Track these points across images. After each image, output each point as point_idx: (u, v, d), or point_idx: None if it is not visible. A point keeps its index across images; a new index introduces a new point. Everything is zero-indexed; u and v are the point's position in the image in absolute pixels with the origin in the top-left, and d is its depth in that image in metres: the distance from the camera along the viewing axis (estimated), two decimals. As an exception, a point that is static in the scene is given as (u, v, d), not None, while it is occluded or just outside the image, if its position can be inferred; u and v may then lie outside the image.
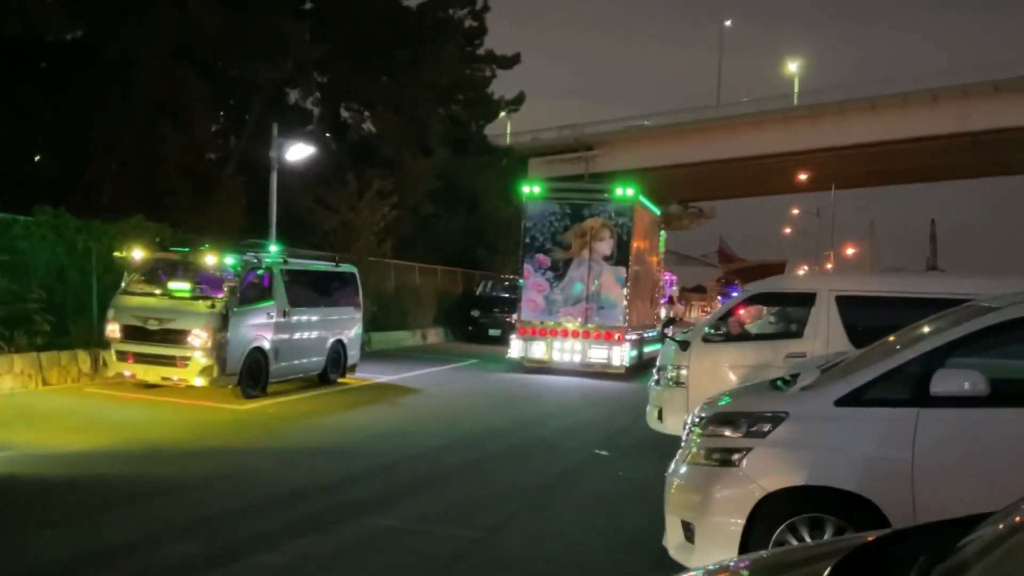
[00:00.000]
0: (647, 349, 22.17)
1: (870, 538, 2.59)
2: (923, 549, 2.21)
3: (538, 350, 19.81)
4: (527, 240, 20.26)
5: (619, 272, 19.70)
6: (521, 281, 20.44)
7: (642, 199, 20.90)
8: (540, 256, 20.04)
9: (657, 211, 23.79)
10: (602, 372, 19.52)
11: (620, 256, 19.71)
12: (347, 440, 11.19)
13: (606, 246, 19.76)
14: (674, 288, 37.60)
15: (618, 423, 13.91)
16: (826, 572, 2.12)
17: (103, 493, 7.91)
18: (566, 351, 19.60)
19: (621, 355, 19.38)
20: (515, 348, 20.10)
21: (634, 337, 20.26)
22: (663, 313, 27.04)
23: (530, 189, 20.72)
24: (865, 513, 5.04)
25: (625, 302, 19.63)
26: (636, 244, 20.10)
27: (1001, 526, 2.20)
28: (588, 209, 19.98)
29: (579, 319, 19.65)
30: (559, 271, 19.97)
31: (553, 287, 19.96)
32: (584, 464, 10.52)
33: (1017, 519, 2.22)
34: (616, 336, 19.43)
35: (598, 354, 19.45)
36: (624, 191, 20.00)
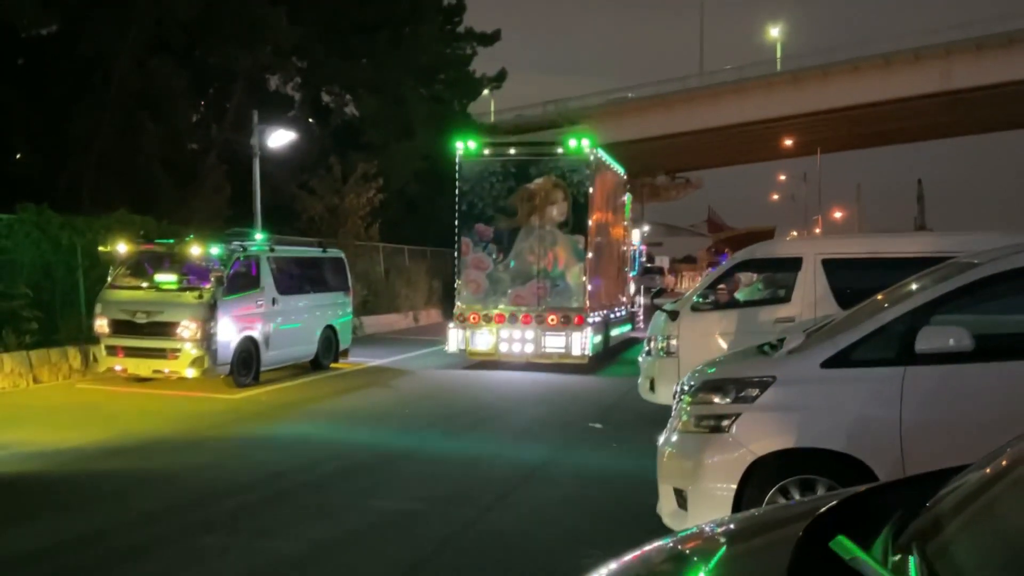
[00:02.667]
0: (615, 332, 19.36)
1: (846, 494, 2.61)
2: (901, 503, 2.22)
3: (482, 341, 16.42)
4: (463, 207, 16.74)
5: (576, 242, 16.28)
6: (458, 257, 16.96)
7: (601, 152, 17.54)
8: (480, 226, 16.62)
9: (620, 169, 20.25)
10: (561, 364, 16.40)
11: (577, 222, 16.29)
12: (342, 425, 11.21)
13: (559, 211, 16.35)
14: (644, 258, 33.88)
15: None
16: (802, 531, 2.13)
17: (99, 488, 7.91)
18: (516, 340, 16.25)
19: (582, 342, 15.99)
20: (453, 339, 16.67)
21: (598, 320, 17.06)
22: (632, 289, 23.54)
23: (464, 145, 16.85)
24: (855, 473, 5.06)
25: (585, 278, 16.23)
26: (596, 207, 16.89)
27: (983, 472, 2.21)
28: (536, 167, 16.48)
29: (530, 301, 16.34)
30: (504, 244, 16.54)
31: (497, 263, 16.54)
32: (578, 438, 10.55)
33: (989, 470, 2.23)
34: (575, 319, 16.08)
35: (554, 343, 16.11)
36: (578, 143, 16.42)
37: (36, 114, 24.62)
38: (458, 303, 16.82)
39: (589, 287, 16.34)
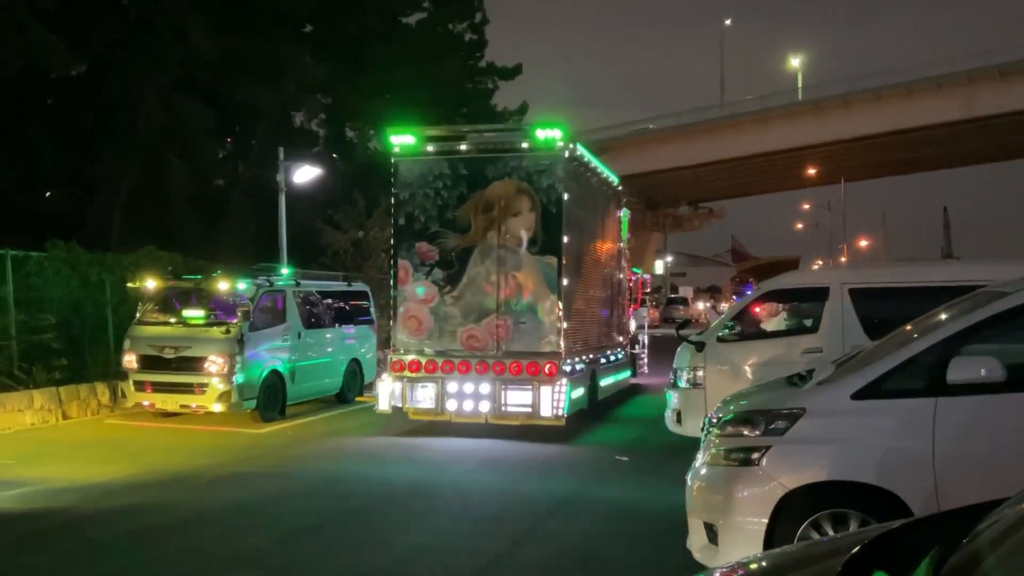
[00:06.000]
0: (606, 381, 15.20)
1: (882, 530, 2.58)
2: (938, 539, 2.19)
3: (424, 396, 12.64)
4: (401, 221, 12.96)
5: (547, 264, 12.44)
6: (394, 286, 13.09)
7: (581, 149, 13.57)
8: (422, 246, 12.80)
9: (612, 176, 16.10)
10: (528, 427, 12.33)
11: (548, 239, 12.46)
12: (367, 460, 11.18)
13: (524, 224, 12.54)
14: (648, 288, 28.36)
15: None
16: (840, 566, 2.11)
17: (126, 523, 7.93)
18: (468, 396, 12.40)
19: (555, 398, 12.06)
20: (385, 394, 12.78)
21: (579, 367, 13.20)
22: (633, 326, 19.13)
23: (402, 140, 12.94)
24: (888, 506, 5.00)
25: (559, 312, 12.35)
26: (575, 219, 13.03)
27: (1020, 507, 2.18)
28: (494, 167, 12.66)
29: (487, 344, 12.51)
30: (453, 268, 12.70)
31: (444, 294, 12.69)
32: (604, 471, 10.48)
33: None
34: (546, 368, 12.18)
35: (518, 399, 12.26)
36: (547, 134, 12.48)
37: (65, 153, 25.04)
38: (393, 346, 13.04)
39: (565, 324, 12.48)
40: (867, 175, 70.20)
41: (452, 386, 12.49)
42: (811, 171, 61.29)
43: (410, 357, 12.75)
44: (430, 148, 12.95)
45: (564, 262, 12.50)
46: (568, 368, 12.54)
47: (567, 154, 12.63)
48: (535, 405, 12.17)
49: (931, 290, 8.60)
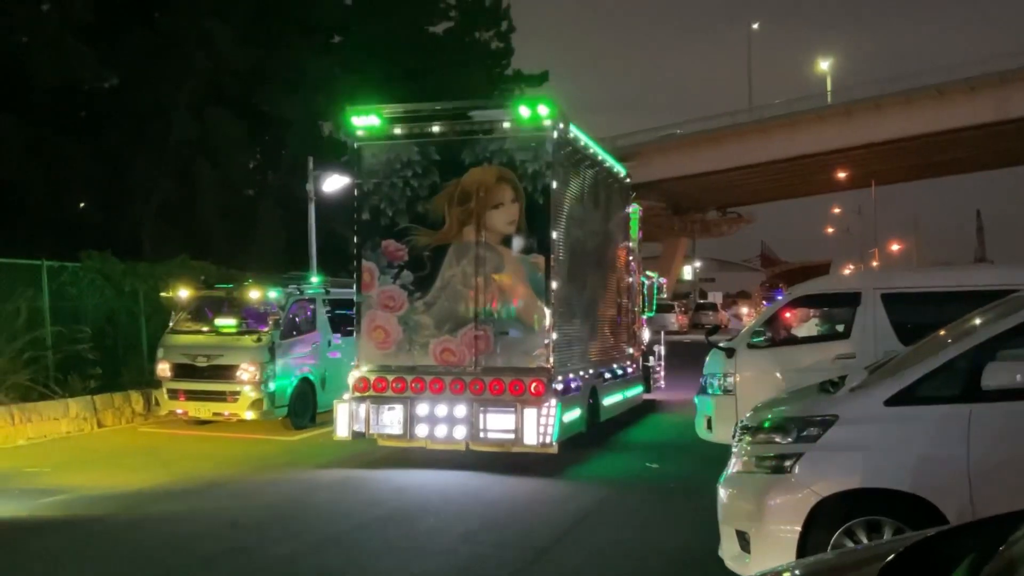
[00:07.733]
0: (611, 399, 13.49)
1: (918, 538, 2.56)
2: (973, 547, 2.17)
3: (391, 419, 10.83)
4: (365, 216, 11.31)
5: (534, 265, 10.69)
6: (358, 291, 11.33)
7: (575, 130, 11.62)
8: (390, 244, 11.11)
9: (619, 166, 14.41)
10: (512, 455, 10.68)
11: (534, 235, 10.72)
12: (398, 466, 11.16)
13: (506, 218, 10.81)
14: (664, 294, 25.90)
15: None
16: (875, 574, 2.10)
17: (161, 531, 8.01)
18: (441, 420, 10.64)
19: (542, 423, 10.24)
20: (344, 417, 11.01)
21: (574, 385, 11.42)
22: (646, 336, 17.29)
23: (365, 121, 11.23)
24: (923, 513, 4.95)
25: (548, 321, 10.60)
26: (567, 212, 11.38)
27: None
28: (471, 150, 10.90)
29: (464, 358, 10.79)
30: (424, 270, 10.98)
31: (414, 300, 10.96)
32: (635, 478, 10.44)
33: None
34: (532, 387, 10.43)
35: (499, 423, 10.44)
36: (533, 111, 10.67)
37: (98, 164, 25.39)
38: (356, 362, 11.33)
39: (555, 335, 10.73)
40: (899, 179, 69.50)
41: (423, 408, 10.70)
42: (841, 175, 60.84)
43: (375, 374, 11.05)
44: (397, 130, 11.22)
45: (554, 262, 10.75)
46: (559, 386, 10.78)
47: (556, 135, 10.78)
48: (519, 430, 10.32)
49: (965, 295, 8.49)
